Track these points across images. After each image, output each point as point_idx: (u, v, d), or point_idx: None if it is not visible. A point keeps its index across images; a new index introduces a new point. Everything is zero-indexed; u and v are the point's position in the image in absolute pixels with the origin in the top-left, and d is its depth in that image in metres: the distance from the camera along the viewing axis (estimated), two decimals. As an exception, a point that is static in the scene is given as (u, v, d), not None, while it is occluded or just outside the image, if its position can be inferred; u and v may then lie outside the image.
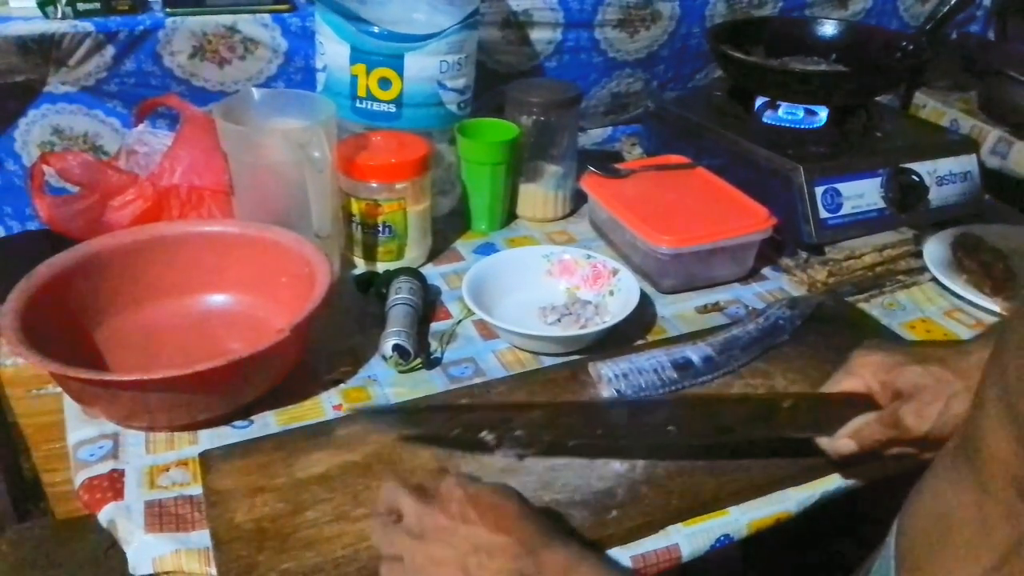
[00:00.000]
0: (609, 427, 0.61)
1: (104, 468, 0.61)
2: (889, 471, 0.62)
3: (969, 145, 0.97)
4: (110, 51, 0.90)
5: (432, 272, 0.88)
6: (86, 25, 0.88)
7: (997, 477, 0.39)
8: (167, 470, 0.61)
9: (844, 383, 0.61)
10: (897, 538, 0.50)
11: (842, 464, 0.62)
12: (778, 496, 0.61)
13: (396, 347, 0.70)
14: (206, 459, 0.60)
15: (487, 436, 0.58)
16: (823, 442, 0.61)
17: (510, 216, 0.99)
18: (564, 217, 1.01)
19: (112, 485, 0.60)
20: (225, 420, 0.65)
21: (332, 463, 0.60)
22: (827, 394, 0.61)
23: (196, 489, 0.59)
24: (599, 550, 0.56)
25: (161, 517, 0.57)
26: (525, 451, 0.60)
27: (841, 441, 0.59)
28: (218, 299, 0.76)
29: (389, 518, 0.51)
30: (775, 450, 0.64)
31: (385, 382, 0.71)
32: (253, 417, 0.66)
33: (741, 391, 0.70)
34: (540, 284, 0.83)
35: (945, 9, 0.96)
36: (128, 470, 0.61)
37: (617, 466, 0.62)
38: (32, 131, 0.94)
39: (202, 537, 0.55)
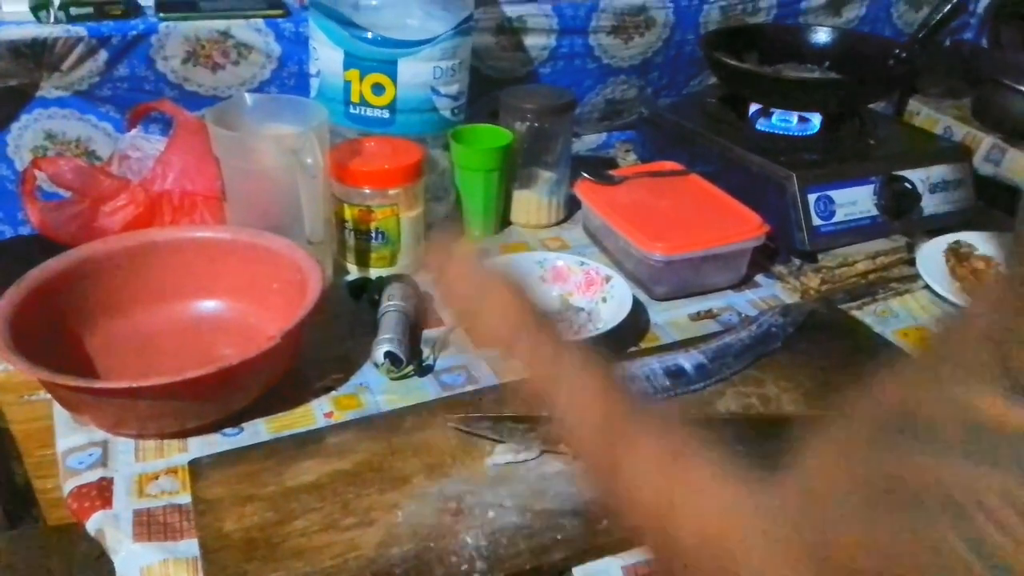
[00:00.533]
0: None
1: (93, 476, 0.61)
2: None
3: (962, 153, 0.97)
4: (103, 56, 0.90)
5: (426, 278, 0.88)
6: (79, 30, 0.88)
7: None
8: (156, 478, 0.61)
9: None
10: None
11: None
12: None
13: (388, 354, 0.70)
14: (195, 467, 0.60)
15: None
16: None
17: (504, 222, 0.99)
18: (558, 223, 1.01)
19: (101, 493, 0.59)
20: (215, 428, 0.65)
21: (322, 471, 0.60)
22: None
23: (185, 498, 0.59)
24: (590, 559, 0.56)
25: (149, 526, 0.57)
26: None
27: None
28: (210, 305, 0.76)
29: None
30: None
31: (377, 389, 0.71)
32: (243, 425, 0.66)
33: (732, 398, 0.70)
34: (533, 291, 0.83)
35: (938, 17, 0.96)
36: (117, 478, 0.61)
37: (609, 474, 0.62)
38: (24, 136, 0.94)
39: (190, 546, 0.55)
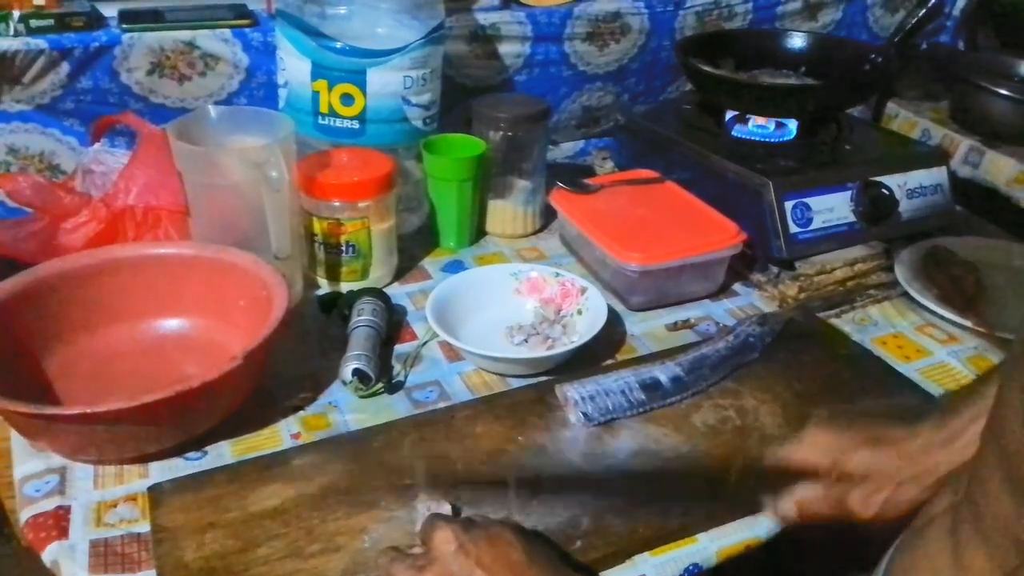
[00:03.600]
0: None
1: (50, 504, 0.59)
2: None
3: (939, 157, 0.96)
4: (65, 68, 0.88)
5: (398, 292, 0.86)
6: (39, 42, 0.86)
7: (1000, 539, 0.38)
8: (115, 506, 0.59)
9: (796, 454, 0.61)
10: None
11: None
12: (747, 522, 0.60)
13: (356, 371, 0.69)
14: (155, 494, 0.58)
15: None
16: (767, 502, 0.61)
17: (479, 233, 0.98)
18: (534, 233, 0.99)
19: (57, 523, 0.57)
20: (178, 452, 0.63)
21: (287, 495, 0.58)
22: (773, 466, 0.61)
23: (144, 526, 0.57)
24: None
25: (106, 557, 0.55)
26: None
27: (786, 506, 0.59)
28: (174, 324, 0.74)
29: None
30: (749, 468, 0.63)
31: (346, 408, 0.69)
32: (207, 448, 0.64)
33: (710, 411, 0.69)
34: (508, 303, 0.82)
35: (913, 21, 0.95)
36: (75, 506, 0.59)
37: (582, 494, 0.60)
38: (-14, 151, 0.91)
39: (148, 578, 0.53)
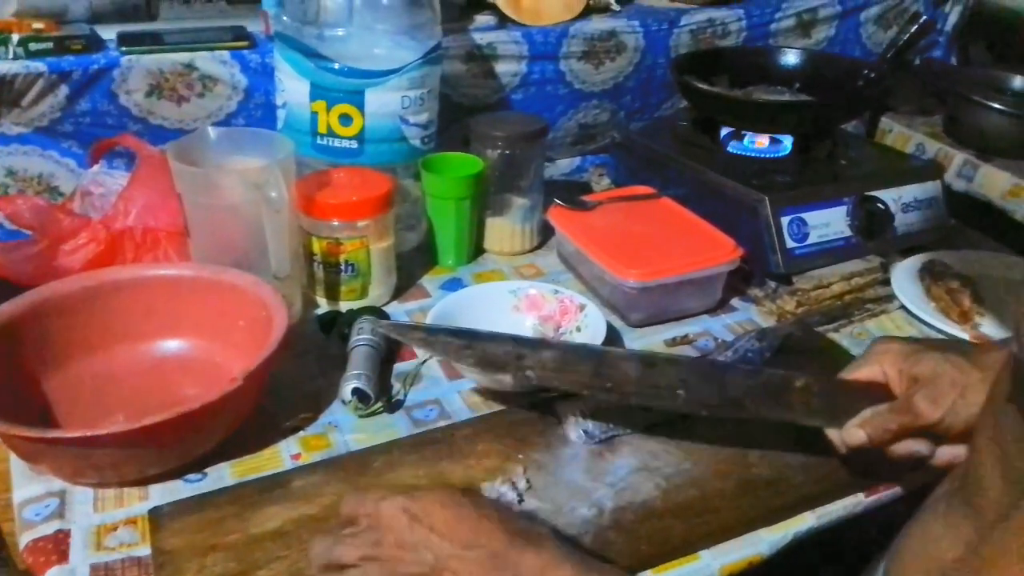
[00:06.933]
0: (619, 381, 0.61)
1: (50, 528, 0.58)
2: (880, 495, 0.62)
3: (933, 171, 0.97)
4: (64, 91, 0.89)
5: (398, 310, 0.86)
6: (38, 65, 0.86)
7: (992, 518, 0.39)
8: (115, 529, 0.58)
9: (861, 371, 0.60)
10: None
11: (849, 459, 0.60)
12: (750, 538, 0.60)
13: (355, 391, 0.69)
14: (155, 517, 0.58)
15: (501, 376, 0.62)
16: (832, 434, 0.60)
17: (478, 250, 0.98)
18: (533, 250, 0.99)
19: (57, 547, 0.57)
20: (178, 474, 0.62)
21: (288, 517, 0.58)
22: (842, 380, 0.60)
23: (145, 550, 0.56)
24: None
25: (107, 581, 0.54)
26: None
27: (851, 431, 0.58)
28: (173, 345, 0.74)
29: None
30: (750, 483, 0.63)
31: (346, 428, 0.69)
32: (207, 470, 0.63)
33: (710, 427, 0.69)
34: (507, 320, 0.82)
35: (905, 37, 0.97)
36: (75, 530, 0.58)
37: (584, 512, 0.60)
38: (-15, 173, 0.92)
39: (149, 602, 0.53)
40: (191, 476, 0.63)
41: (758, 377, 0.62)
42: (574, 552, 0.49)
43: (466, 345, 0.62)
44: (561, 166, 1.19)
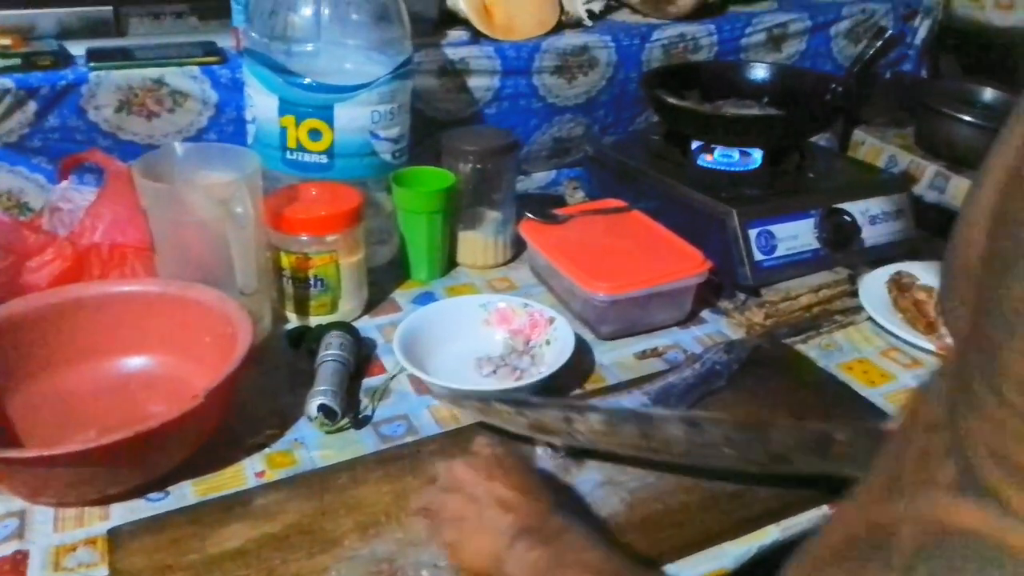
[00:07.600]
0: (666, 442, 0.62)
1: (8, 549, 0.58)
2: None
3: (901, 183, 0.98)
4: (32, 107, 0.88)
5: (368, 324, 0.86)
6: (6, 82, 0.86)
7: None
8: (74, 550, 0.58)
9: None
10: None
11: None
12: (714, 552, 0.60)
13: (321, 407, 0.68)
14: (114, 537, 0.57)
15: (553, 440, 0.66)
16: None
17: (450, 264, 0.98)
18: (505, 263, 1.00)
19: (15, 568, 0.56)
20: (139, 492, 0.62)
21: (249, 536, 0.58)
22: (882, 430, 0.60)
23: (103, 570, 0.56)
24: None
25: (63, 603, 0.54)
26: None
27: None
28: (138, 362, 0.73)
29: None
30: (714, 497, 0.63)
31: (312, 445, 0.68)
32: (169, 488, 0.63)
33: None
34: (477, 334, 0.82)
35: (871, 51, 0.98)
36: (33, 550, 0.58)
37: (548, 527, 0.60)
38: (-48, 190, 0.91)
39: (105, 624, 0.52)
40: (153, 495, 0.62)
41: (799, 432, 0.62)
42: (607, 545, 0.53)
43: (519, 412, 0.66)
44: (536, 179, 1.19)
